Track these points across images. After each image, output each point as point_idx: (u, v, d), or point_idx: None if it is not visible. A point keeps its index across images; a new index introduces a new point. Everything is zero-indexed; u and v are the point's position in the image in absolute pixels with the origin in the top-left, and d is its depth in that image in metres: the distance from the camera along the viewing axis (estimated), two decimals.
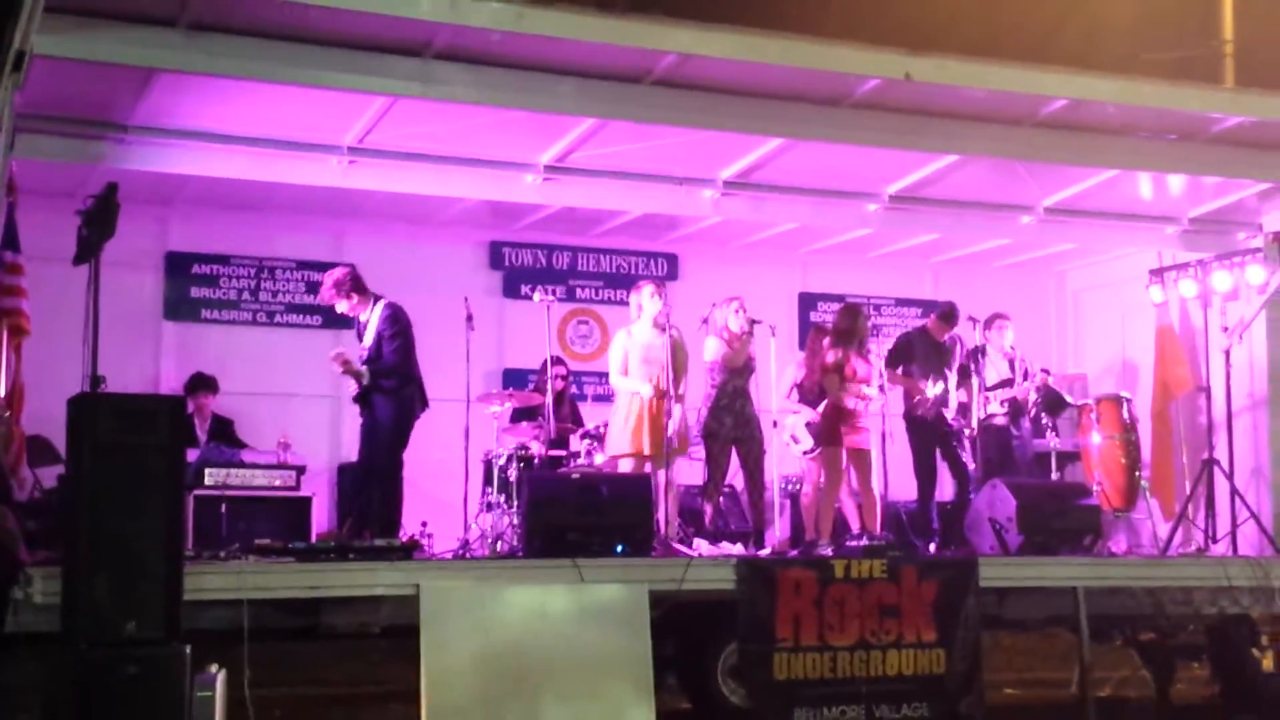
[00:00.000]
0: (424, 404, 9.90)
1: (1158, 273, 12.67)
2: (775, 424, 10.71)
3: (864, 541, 9.80)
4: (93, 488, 7.08)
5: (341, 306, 10.00)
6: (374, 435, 9.77)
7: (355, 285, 9.93)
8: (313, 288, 11.85)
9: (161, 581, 7.17)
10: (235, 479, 9.76)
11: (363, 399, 9.80)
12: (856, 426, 10.66)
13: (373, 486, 9.73)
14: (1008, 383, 11.73)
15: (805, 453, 11.07)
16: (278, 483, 9.89)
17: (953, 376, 11.19)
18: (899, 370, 11.27)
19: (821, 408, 10.81)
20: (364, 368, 9.70)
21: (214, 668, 7.51)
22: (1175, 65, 21.53)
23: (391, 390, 9.73)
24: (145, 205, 10.42)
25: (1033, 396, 11.75)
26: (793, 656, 8.83)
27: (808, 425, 10.99)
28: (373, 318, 9.89)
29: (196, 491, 9.44)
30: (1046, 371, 12.33)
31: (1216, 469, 11.45)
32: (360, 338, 9.98)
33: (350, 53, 8.64)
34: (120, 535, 7.05)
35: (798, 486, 11.57)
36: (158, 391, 10.95)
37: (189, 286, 11.80)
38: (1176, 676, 11.27)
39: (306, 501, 9.97)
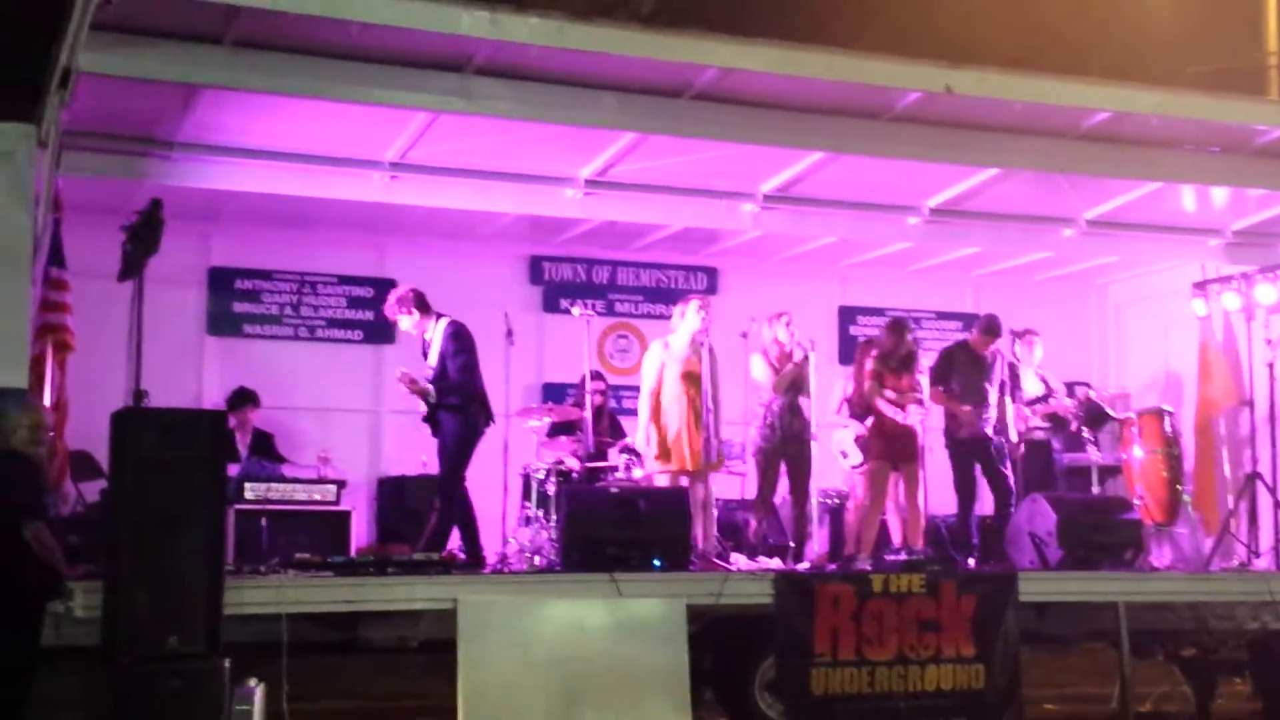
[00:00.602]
0: (489, 420, 9.97)
1: (1201, 286, 12.59)
2: (814, 438, 10.68)
3: (903, 556, 9.78)
4: (134, 502, 7.15)
5: (404, 323, 10.09)
6: (442, 452, 9.84)
7: (418, 302, 10.03)
8: (354, 303, 12.02)
9: (202, 595, 7.23)
10: (276, 493, 9.84)
11: (430, 418, 9.87)
12: (904, 442, 10.62)
13: (447, 503, 9.80)
14: (1044, 397, 11.69)
15: (854, 467, 11.05)
16: (317, 497, 9.96)
17: (993, 391, 11.14)
18: (941, 388, 11.20)
19: (869, 422, 10.79)
20: (430, 386, 9.77)
21: (253, 681, 7.58)
22: (1219, 77, 21.39)
23: (457, 408, 9.82)
24: (189, 221, 10.47)
25: (1072, 411, 11.71)
26: (830, 671, 8.83)
27: (856, 439, 10.98)
28: (436, 336, 9.98)
29: (237, 505, 9.51)
30: (1088, 385, 12.30)
31: (1259, 483, 11.36)
32: (425, 356, 10.06)
33: (392, 69, 8.69)
34: (161, 549, 7.13)
35: (836, 501, 11.56)
36: (200, 406, 11.00)
37: (232, 301, 11.88)
38: (1218, 692, 11.16)
39: (346, 516, 10.04)
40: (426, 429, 9.98)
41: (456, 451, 9.77)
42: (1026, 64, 10.65)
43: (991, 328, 11.36)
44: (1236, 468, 12.03)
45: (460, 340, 9.89)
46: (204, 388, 11.54)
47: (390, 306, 10.10)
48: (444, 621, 8.14)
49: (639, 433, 10.29)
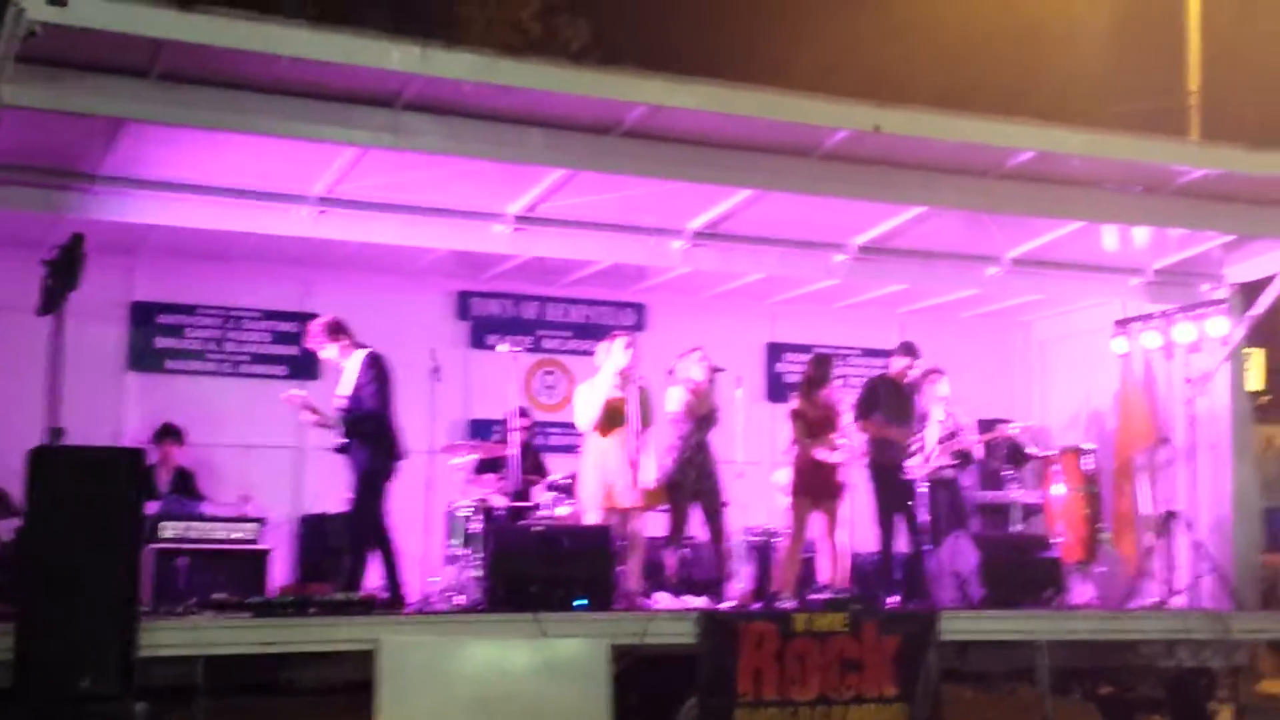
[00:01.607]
0: (401, 455, 9.88)
1: (1122, 324, 12.73)
2: (741, 475, 10.72)
3: (826, 594, 9.81)
4: (48, 541, 7.05)
5: (327, 352, 10.02)
6: (353, 485, 9.77)
7: (341, 331, 9.97)
8: (279, 338, 11.91)
9: (117, 637, 7.13)
10: (194, 532, 9.71)
11: (345, 449, 9.77)
12: (825, 478, 10.67)
13: (359, 538, 9.69)
14: (951, 435, 11.82)
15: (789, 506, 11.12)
16: (237, 536, 9.84)
17: (913, 423, 11.26)
18: (864, 420, 11.28)
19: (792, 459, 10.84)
20: (327, 412, 9.68)
21: None
22: (1142, 117, 21.75)
23: (369, 439, 9.71)
24: (111, 255, 10.37)
25: (979, 448, 11.87)
26: (754, 711, 8.82)
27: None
28: (353, 365, 9.90)
29: (155, 544, 9.39)
30: (1009, 422, 12.43)
31: (1178, 521, 11.49)
32: (340, 386, 9.97)
33: (320, 103, 8.60)
34: (76, 589, 7.02)
35: (762, 538, 11.59)
36: (121, 442, 10.87)
37: (154, 336, 11.73)
38: None
39: (265, 555, 9.92)
40: (352, 467, 9.91)
41: (367, 485, 9.67)
42: (954, 103, 10.71)
43: (908, 349, 11.48)
44: (1155, 506, 12.16)
45: (376, 370, 9.82)
46: (124, 424, 11.38)
47: (311, 336, 10.03)
48: (366, 662, 8.05)
49: (582, 470, 10.28)
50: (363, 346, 9.98)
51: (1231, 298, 12.16)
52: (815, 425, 10.73)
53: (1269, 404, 25.53)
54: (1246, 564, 11.68)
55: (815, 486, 10.62)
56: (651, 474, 10.17)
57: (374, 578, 9.75)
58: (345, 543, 9.78)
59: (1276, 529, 12.90)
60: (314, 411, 9.71)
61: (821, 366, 11.06)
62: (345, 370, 9.94)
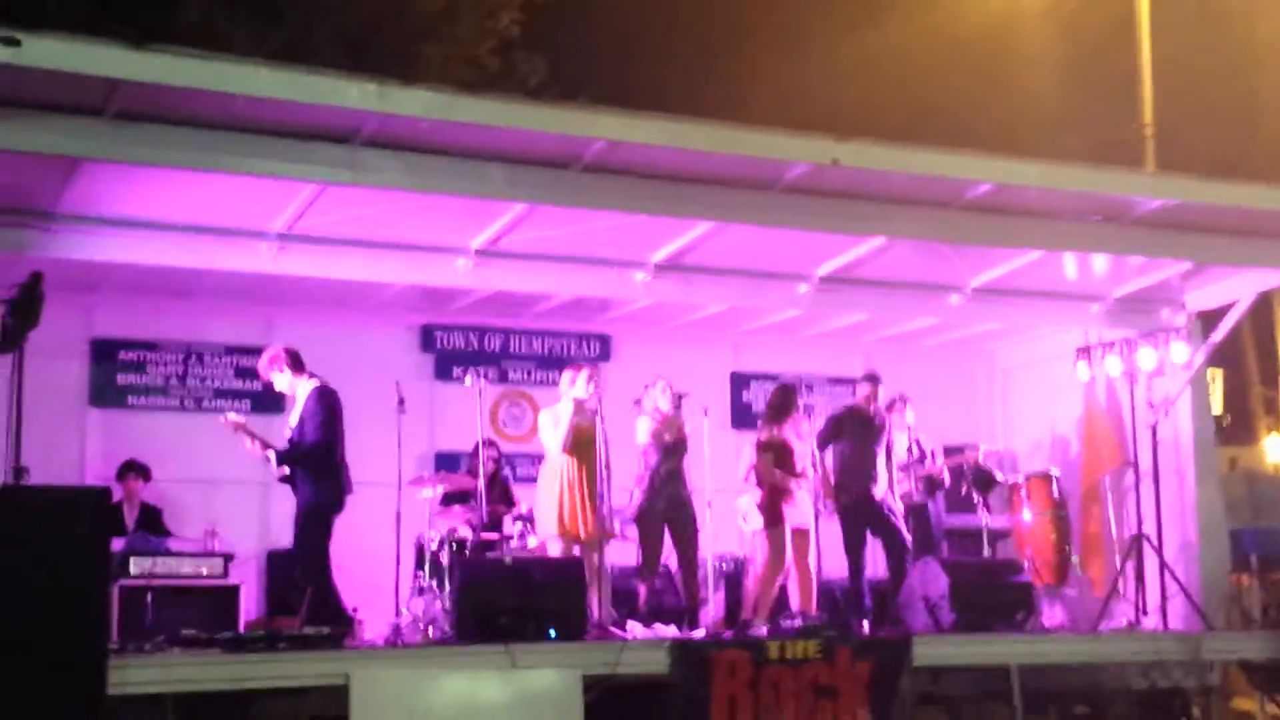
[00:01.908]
0: (346, 490, 9.77)
1: (1084, 350, 12.82)
2: (710, 504, 10.72)
3: (799, 622, 9.81)
4: (14, 581, 6.96)
5: (280, 383, 9.95)
6: (296, 519, 9.68)
7: (292, 361, 9.91)
8: (242, 373, 11.84)
9: (85, 677, 7.05)
10: (161, 568, 9.65)
11: (290, 480, 9.71)
12: (797, 505, 10.69)
13: (303, 573, 9.62)
14: (919, 460, 11.87)
15: (755, 532, 11.10)
16: (205, 571, 9.79)
17: (882, 453, 11.29)
18: (826, 451, 11.31)
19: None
20: (271, 449, 9.60)
21: None
22: (1097, 148, 21.96)
23: (313, 473, 9.63)
24: (71, 292, 10.32)
25: (946, 475, 11.92)
26: None
27: (758, 505, 11.03)
28: (301, 396, 9.85)
29: (122, 581, 9.31)
30: (976, 448, 12.49)
31: (1146, 543, 11.55)
32: (290, 417, 9.92)
33: (278, 140, 8.58)
34: (42, 630, 6.94)
35: (732, 566, 11.58)
36: (84, 479, 10.80)
37: (116, 373, 11.69)
38: None
39: (234, 590, 9.85)
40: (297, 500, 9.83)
41: (309, 519, 9.58)
42: (910, 132, 10.80)
43: (871, 377, 11.53)
44: (1123, 529, 12.23)
45: (324, 403, 9.73)
46: (87, 461, 11.31)
47: (263, 365, 9.97)
48: (338, 696, 8.00)
49: (538, 503, 10.27)
50: (314, 377, 9.92)
51: (1191, 324, 12.30)
52: (784, 457, 10.73)
53: (1231, 426, 25.81)
54: (1214, 585, 11.77)
55: (788, 514, 10.63)
56: (609, 505, 10.18)
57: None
58: (300, 579, 9.64)
59: (1242, 550, 12.94)
60: (251, 436, 9.63)
61: (785, 395, 11.08)
62: (296, 401, 9.89)
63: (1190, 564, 11.85)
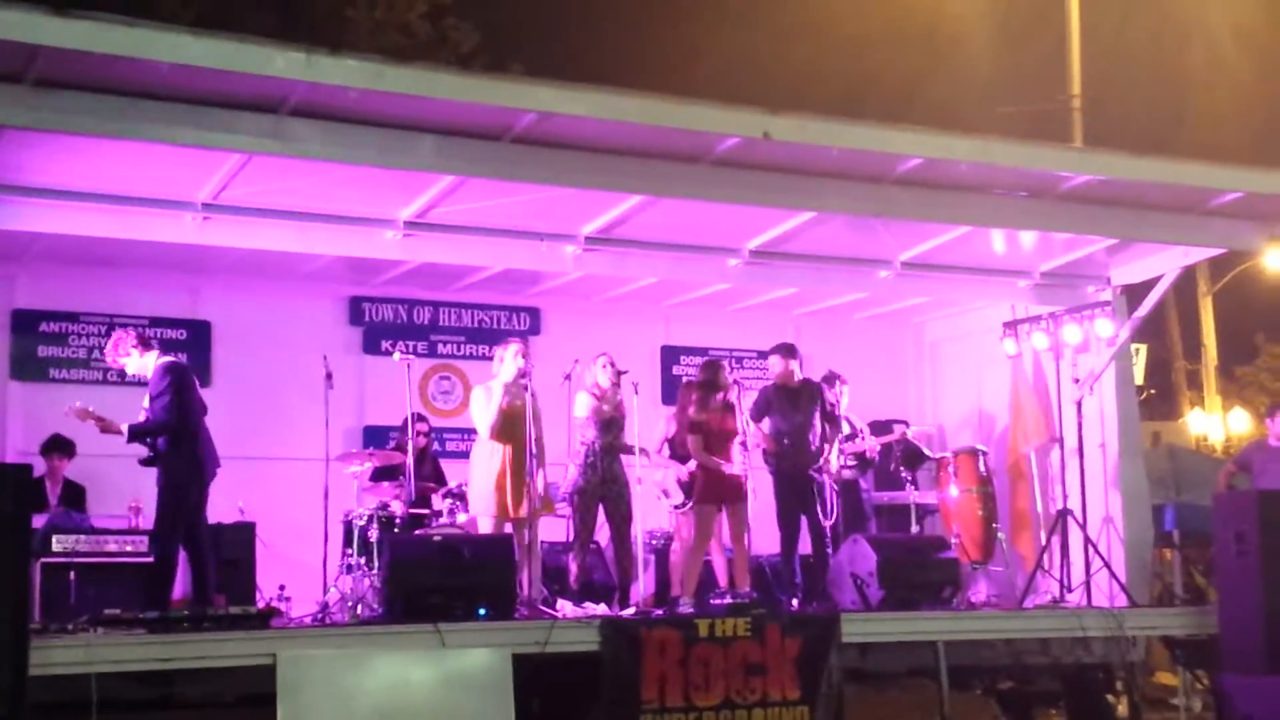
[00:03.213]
0: (206, 464, 9.47)
1: (1011, 325, 12.86)
2: (639, 480, 10.70)
3: (728, 599, 9.82)
4: None
5: (131, 366, 9.60)
6: (157, 497, 9.39)
7: (140, 341, 9.62)
8: (167, 345, 11.58)
9: (6, 657, 6.96)
10: (85, 545, 9.48)
11: (152, 462, 9.41)
12: (731, 482, 10.65)
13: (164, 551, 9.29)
14: (850, 437, 11.90)
15: (675, 508, 11.08)
16: (129, 549, 9.61)
17: (813, 423, 11.28)
18: (761, 424, 11.30)
19: (691, 463, 10.82)
20: (124, 426, 9.33)
21: None
22: (1030, 118, 22.12)
23: (168, 449, 9.32)
24: None
25: (876, 451, 11.98)
26: (659, 718, 8.80)
27: (678, 480, 11.01)
28: (149, 375, 9.55)
29: (44, 559, 9.15)
30: (905, 424, 12.54)
31: (1070, 519, 11.65)
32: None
33: (203, 109, 8.42)
34: None
35: (663, 542, 11.58)
36: (4, 454, 10.62)
37: (37, 345, 11.48)
38: None
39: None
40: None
41: (169, 497, 9.26)
42: (847, 105, 10.81)
43: (784, 350, 11.51)
44: (1049, 504, 12.32)
45: (167, 377, 9.36)
46: (8, 436, 11.13)
47: (110, 353, 9.65)
48: (264, 675, 7.92)
49: (471, 480, 10.20)
50: (162, 355, 9.65)
51: (1116, 299, 12.40)
52: (714, 435, 10.71)
53: (1154, 399, 26.14)
54: (1138, 560, 11.89)
55: (720, 491, 10.61)
56: (542, 482, 10.15)
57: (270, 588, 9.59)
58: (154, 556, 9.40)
59: (1165, 525, 13.10)
60: (98, 420, 9.40)
61: (713, 370, 11.04)
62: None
63: (1113, 539, 11.96)
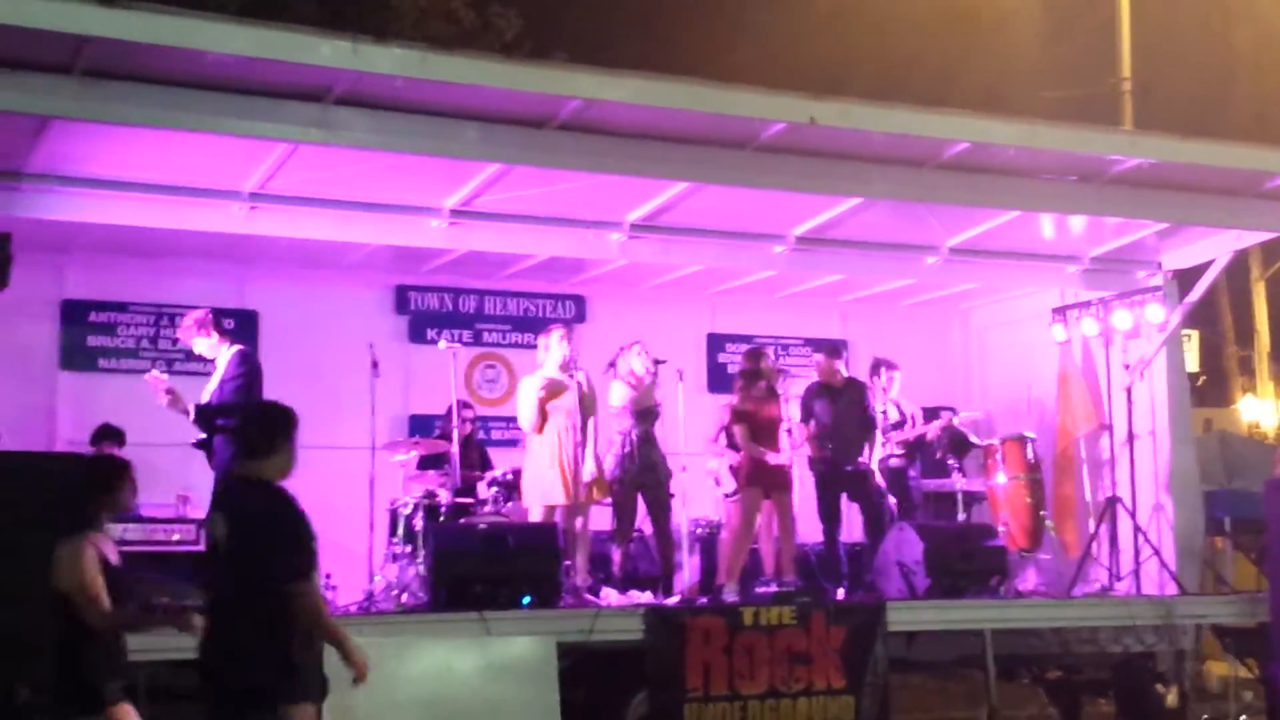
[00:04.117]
0: None
1: (1060, 311, 12.76)
2: (684, 468, 10.69)
3: (773, 587, 9.79)
4: None
5: (200, 346, 9.88)
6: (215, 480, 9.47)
7: (217, 324, 9.86)
8: None
9: (55, 647, 6.98)
10: (133, 534, 9.53)
11: (205, 445, 9.56)
12: (777, 471, 10.62)
13: None
14: (899, 424, 11.84)
15: (726, 496, 11.07)
16: (176, 537, 9.67)
17: (856, 420, 11.24)
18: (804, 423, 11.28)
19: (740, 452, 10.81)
20: (185, 399, 9.50)
21: None
22: (1076, 103, 21.92)
23: (230, 435, 9.37)
24: (40, 253, 10.19)
25: (936, 431, 11.92)
26: (703, 706, 8.82)
27: (730, 468, 10.99)
28: (222, 361, 9.79)
29: None
30: (953, 411, 12.46)
31: (1119, 507, 11.55)
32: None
33: (249, 99, 8.45)
34: (13, 598, 6.87)
35: (707, 530, 11.55)
36: (54, 443, 10.69)
37: (86, 335, 11.53)
38: (1083, 713, 11.37)
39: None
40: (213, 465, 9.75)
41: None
42: (889, 87, 10.74)
43: (829, 349, 11.50)
44: (1097, 492, 12.22)
45: (245, 366, 9.66)
46: (58, 424, 11.19)
47: (186, 329, 9.89)
48: None
49: (526, 468, 10.21)
50: (235, 344, 9.88)
51: (1168, 284, 12.27)
52: (760, 425, 10.68)
53: (1205, 386, 25.88)
54: (1188, 548, 11.78)
55: (765, 479, 10.58)
56: (591, 467, 10.14)
57: None
58: None
59: (1216, 513, 12.96)
60: (173, 397, 9.51)
61: (754, 359, 11.02)
62: (216, 366, 9.83)
63: (1163, 527, 11.84)
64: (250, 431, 6.30)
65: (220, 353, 9.82)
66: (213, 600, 6.14)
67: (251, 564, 5.85)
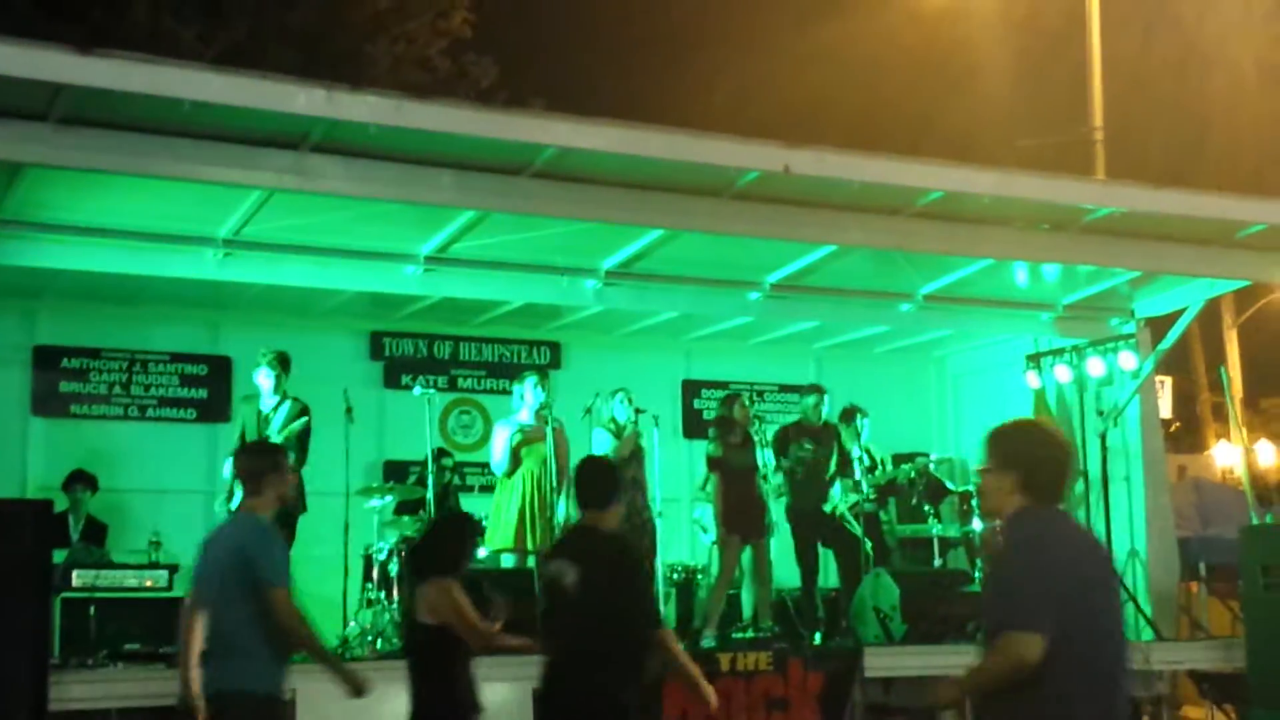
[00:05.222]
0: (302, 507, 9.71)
1: (1034, 358, 12.81)
2: (660, 514, 10.67)
3: (750, 633, 9.76)
4: None
5: (267, 381, 9.98)
6: None
7: (287, 366, 10.03)
8: (188, 380, 11.73)
9: (26, 692, 6.95)
10: (105, 580, 9.46)
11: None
12: (757, 517, 10.62)
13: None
14: (869, 470, 11.85)
15: (713, 543, 11.06)
16: (149, 583, 9.60)
17: (831, 463, 11.25)
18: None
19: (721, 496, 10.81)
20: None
21: None
22: (1050, 150, 22.04)
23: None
24: (13, 298, 10.20)
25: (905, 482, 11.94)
26: None
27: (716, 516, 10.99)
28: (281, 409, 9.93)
29: (64, 593, 9.14)
30: (928, 457, 12.47)
31: None
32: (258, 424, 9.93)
33: (225, 145, 8.44)
34: None
35: (684, 575, 11.52)
36: (25, 489, 10.63)
37: (58, 381, 11.51)
38: None
39: (179, 602, 9.67)
40: None
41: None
42: (864, 131, 10.80)
43: (815, 390, 11.53)
44: None
45: (308, 418, 9.93)
46: (29, 470, 11.15)
47: (268, 373, 10.06)
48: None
49: (493, 514, 10.18)
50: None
51: (1140, 331, 12.33)
52: (733, 471, 10.68)
53: (1179, 432, 25.94)
54: (1163, 594, 11.79)
55: (745, 524, 10.57)
56: (567, 514, 10.11)
57: None
58: None
59: (1191, 559, 12.97)
60: None
61: (727, 406, 11.06)
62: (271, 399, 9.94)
63: (1139, 573, 11.86)
64: (586, 484, 6.51)
65: (275, 398, 10.06)
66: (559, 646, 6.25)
67: (612, 610, 5.99)
